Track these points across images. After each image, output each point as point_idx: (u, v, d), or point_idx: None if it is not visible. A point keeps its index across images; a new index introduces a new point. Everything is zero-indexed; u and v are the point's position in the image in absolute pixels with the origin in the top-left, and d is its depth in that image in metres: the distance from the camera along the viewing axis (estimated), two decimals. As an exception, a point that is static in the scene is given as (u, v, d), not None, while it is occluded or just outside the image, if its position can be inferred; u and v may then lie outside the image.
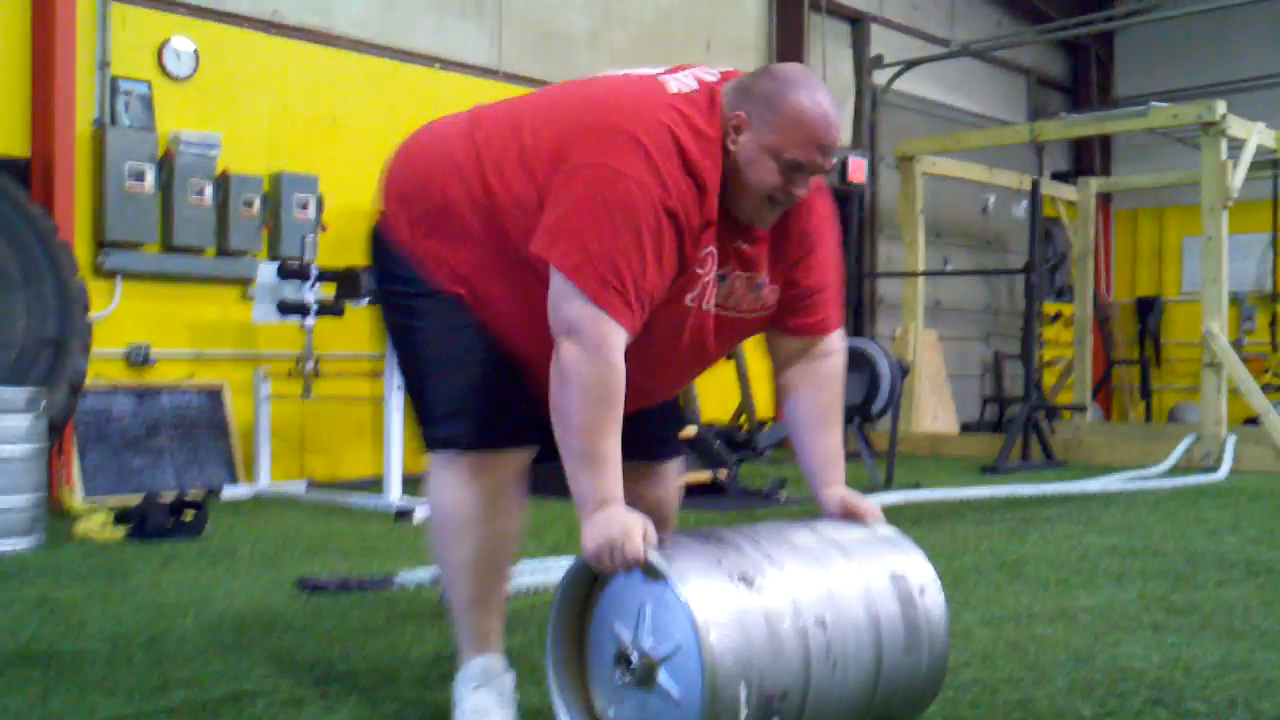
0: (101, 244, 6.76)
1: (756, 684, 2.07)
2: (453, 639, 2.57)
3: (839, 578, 2.24)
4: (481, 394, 2.46)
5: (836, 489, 2.54)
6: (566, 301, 2.24)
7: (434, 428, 2.50)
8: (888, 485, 7.44)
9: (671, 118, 2.31)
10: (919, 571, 2.36)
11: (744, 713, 2.06)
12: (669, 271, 2.29)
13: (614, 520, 2.19)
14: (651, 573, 2.16)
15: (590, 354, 2.21)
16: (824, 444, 2.59)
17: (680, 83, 2.40)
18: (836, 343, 2.64)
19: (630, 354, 2.30)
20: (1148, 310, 14.24)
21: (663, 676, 2.13)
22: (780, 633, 2.12)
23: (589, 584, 2.32)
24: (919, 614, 2.30)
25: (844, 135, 2.13)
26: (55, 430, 5.53)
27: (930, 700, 2.41)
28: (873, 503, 2.52)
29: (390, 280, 2.59)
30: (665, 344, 2.44)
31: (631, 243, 2.22)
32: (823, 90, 2.37)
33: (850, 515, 2.49)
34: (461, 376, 2.47)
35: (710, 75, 2.45)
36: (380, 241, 2.61)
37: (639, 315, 2.26)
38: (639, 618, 2.18)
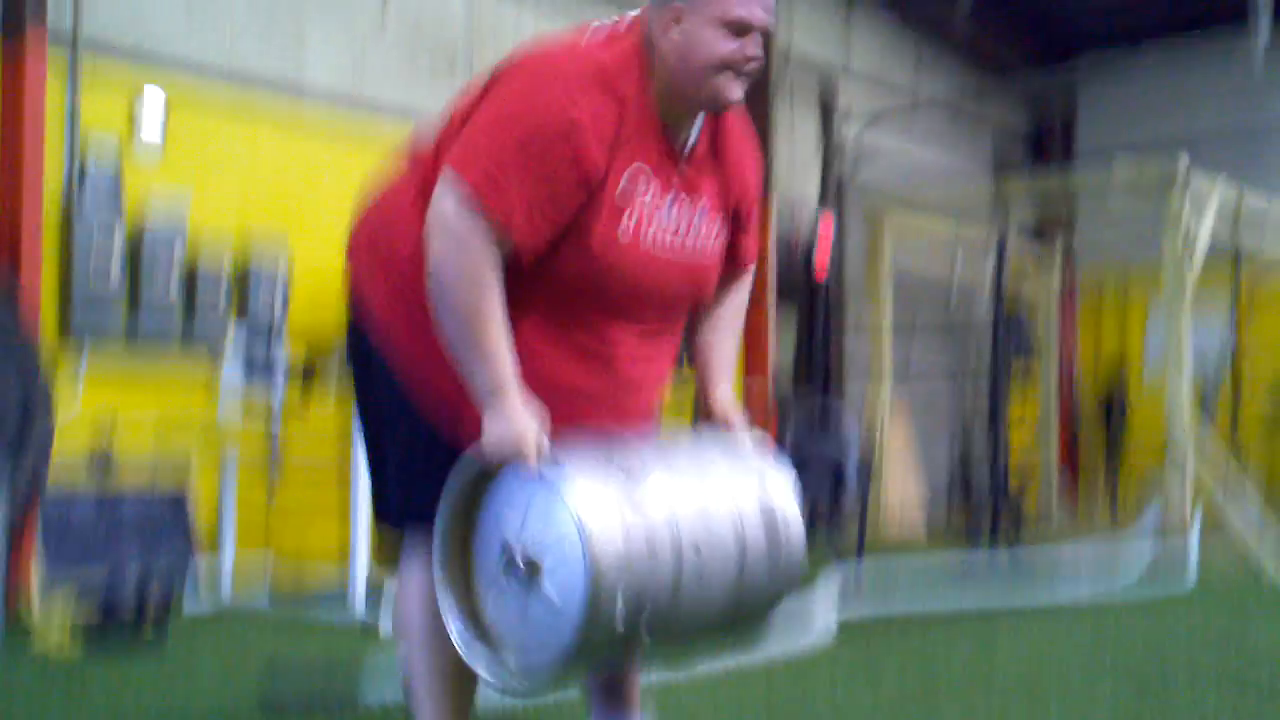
0: (68, 303, 6.68)
1: (634, 596, 2.15)
2: None
3: (712, 486, 2.36)
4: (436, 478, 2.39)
5: (722, 390, 2.61)
6: (441, 189, 2.26)
7: (398, 520, 2.53)
8: (859, 554, 7.36)
9: (579, 42, 2.38)
10: (780, 485, 2.47)
11: (619, 609, 2.13)
12: (569, 179, 2.28)
13: (510, 421, 2.23)
14: (543, 471, 2.21)
15: (460, 243, 2.24)
16: (718, 348, 2.66)
17: (595, 29, 2.45)
18: (745, 277, 2.72)
19: (594, 315, 2.38)
20: (1114, 374, 14.24)
21: (545, 580, 2.18)
22: (657, 545, 2.19)
23: (479, 479, 2.33)
24: (780, 528, 2.42)
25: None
26: (16, 517, 5.42)
27: (780, 600, 2.51)
28: (742, 411, 2.59)
29: (353, 356, 2.62)
30: (627, 287, 2.41)
31: (523, 153, 2.25)
32: None
33: (726, 420, 2.56)
34: (425, 466, 2.44)
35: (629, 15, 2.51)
36: (349, 310, 2.59)
37: (523, 217, 2.26)
38: (526, 511, 2.23)
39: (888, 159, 12.79)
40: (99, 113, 6.86)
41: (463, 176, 2.24)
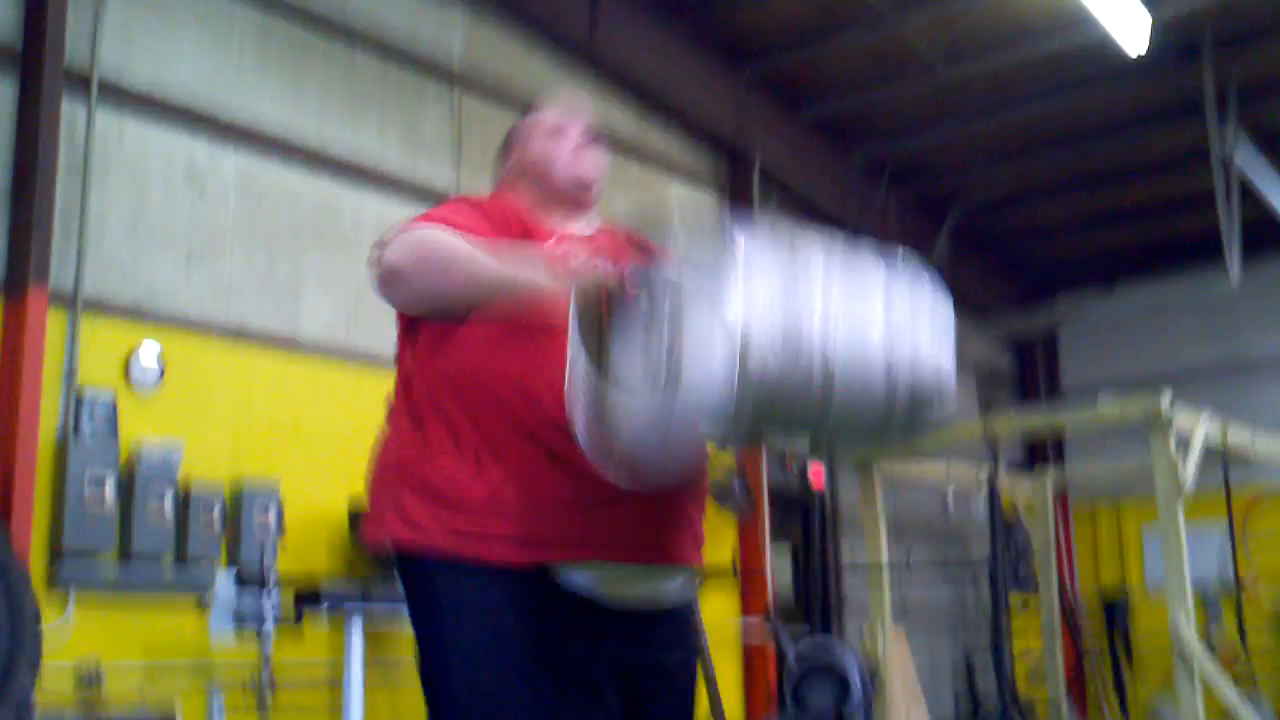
0: (57, 554, 6.61)
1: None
2: None
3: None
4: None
5: None
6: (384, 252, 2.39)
7: None
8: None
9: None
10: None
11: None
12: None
13: (543, 262, 2.28)
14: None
15: (408, 246, 2.35)
16: None
17: None
18: None
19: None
20: (1113, 604, 14.13)
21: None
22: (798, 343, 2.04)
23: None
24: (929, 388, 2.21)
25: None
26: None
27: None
28: None
29: (417, 605, 2.43)
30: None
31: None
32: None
33: None
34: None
35: None
36: (398, 555, 2.45)
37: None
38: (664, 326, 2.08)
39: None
40: (96, 366, 6.95)
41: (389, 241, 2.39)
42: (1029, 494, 12.51)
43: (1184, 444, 9.64)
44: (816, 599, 10.95)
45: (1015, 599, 13.02)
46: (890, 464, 11.11)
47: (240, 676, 6.93)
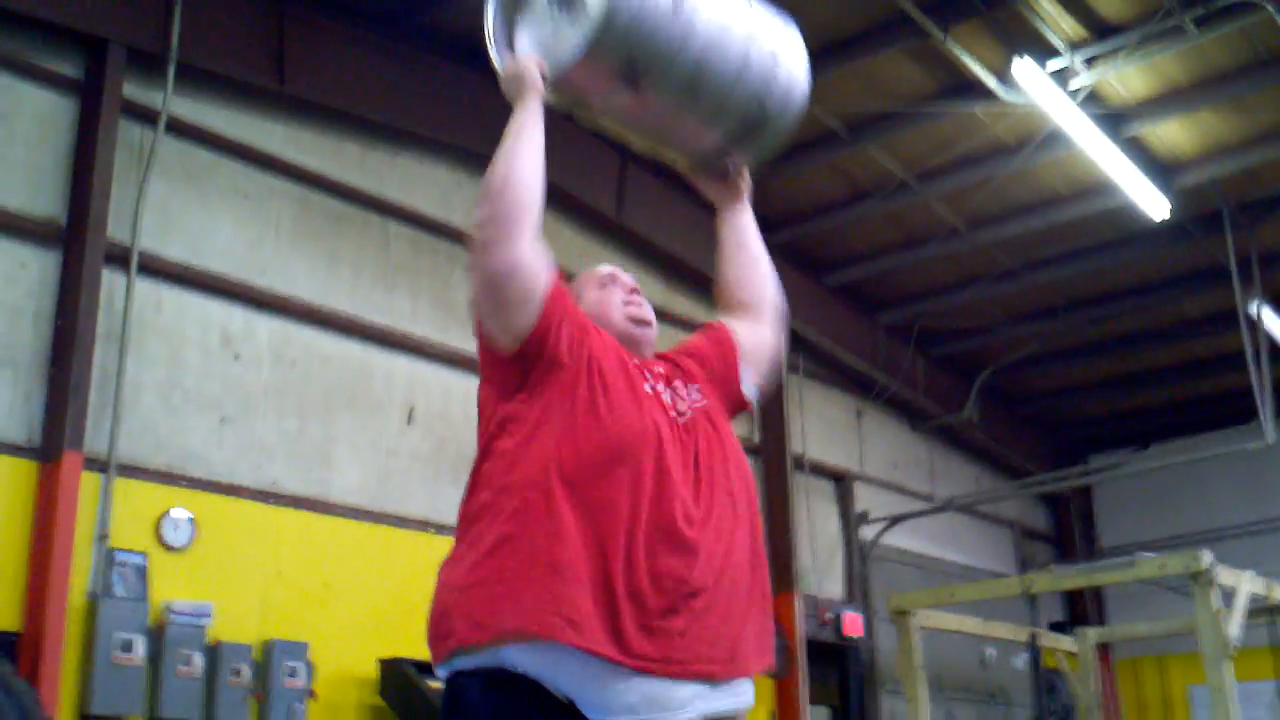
0: (85, 718, 6.59)
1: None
2: None
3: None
4: None
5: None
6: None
7: None
8: None
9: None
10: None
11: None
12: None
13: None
14: None
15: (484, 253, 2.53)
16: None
17: None
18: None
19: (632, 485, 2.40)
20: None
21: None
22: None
23: None
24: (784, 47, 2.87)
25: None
26: None
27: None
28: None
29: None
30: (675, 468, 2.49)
31: None
32: None
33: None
34: None
35: None
36: (454, 694, 2.43)
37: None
38: None
39: (909, 550, 12.84)
40: (128, 528, 7.02)
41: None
42: (1072, 651, 12.29)
43: (1227, 600, 9.51)
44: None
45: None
46: (928, 618, 10.98)
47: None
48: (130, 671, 6.68)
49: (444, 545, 8.41)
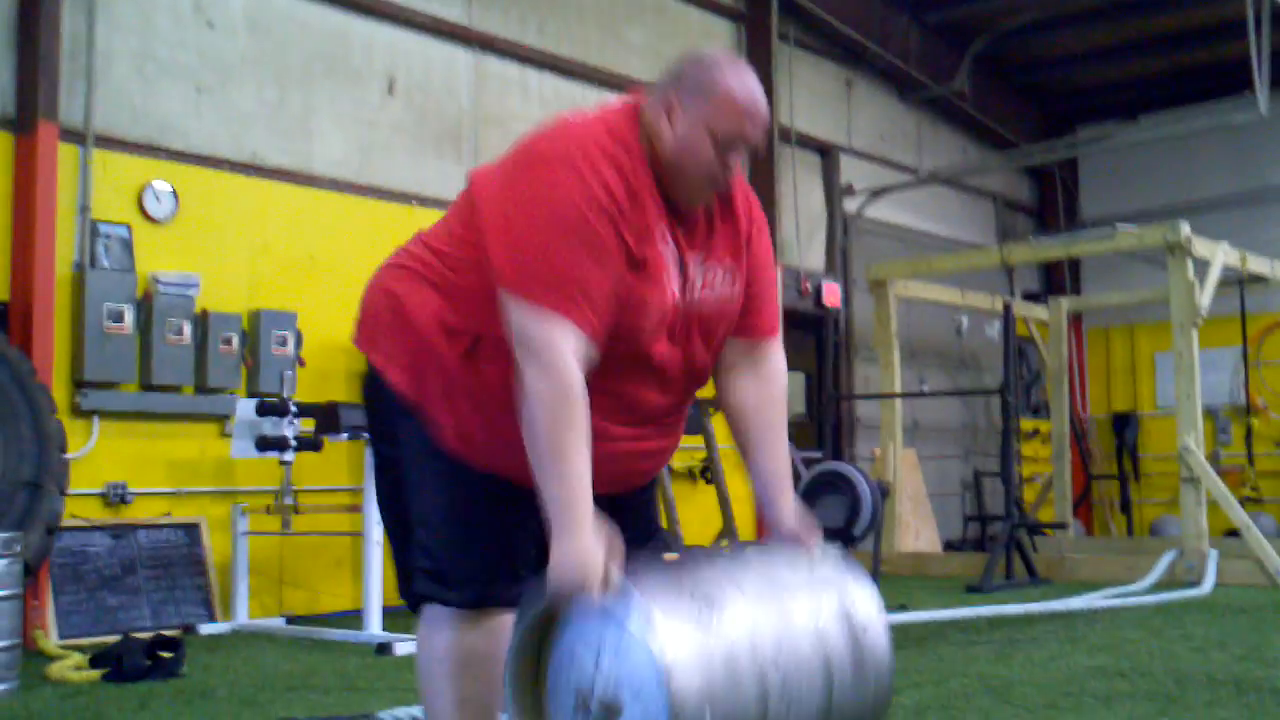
0: (80, 384, 6.78)
1: (718, 717, 2.08)
2: None
3: (791, 605, 2.29)
4: (470, 551, 2.45)
5: (785, 504, 2.55)
6: (516, 315, 2.27)
7: (425, 587, 2.49)
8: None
9: (586, 133, 2.39)
10: (863, 598, 2.40)
11: None
12: (614, 270, 2.31)
13: (578, 550, 2.17)
14: (612, 608, 2.15)
15: (545, 369, 2.23)
16: (772, 453, 2.59)
17: (595, 110, 2.50)
18: (778, 351, 2.67)
19: (622, 373, 2.37)
20: (1124, 425, 14.33)
21: (625, 707, 2.12)
22: (739, 666, 2.13)
23: (549, 613, 2.29)
24: (863, 643, 2.35)
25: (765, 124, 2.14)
26: (30, 572, 5.48)
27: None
28: (815, 523, 2.53)
29: (379, 427, 2.63)
30: (648, 351, 2.43)
31: (569, 249, 2.27)
32: (746, 69, 2.46)
33: (796, 536, 2.50)
34: (449, 530, 2.47)
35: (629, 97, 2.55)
36: (369, 384, 2.61)
37: (589, 313, 2.27)
38: (599, 657, 2.17)
39: (892, 223, 12.95)
40: (110, 201, 7.01)
41: (540, 302, 2.26)
42: (1044, 320, 12.59)
43: (1202, 270, 9.66)
44: (829, 422, 11.08)
45: (1026, 424, 13.20)
46: (905, 287, 11.18)
47: (263, 499, 7.15)
48: (121, 340, 6.83)
49: (425, 217, 8.44)
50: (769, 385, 2.62)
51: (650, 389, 2.47)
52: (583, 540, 2.19)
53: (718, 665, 2.11)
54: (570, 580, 2.16)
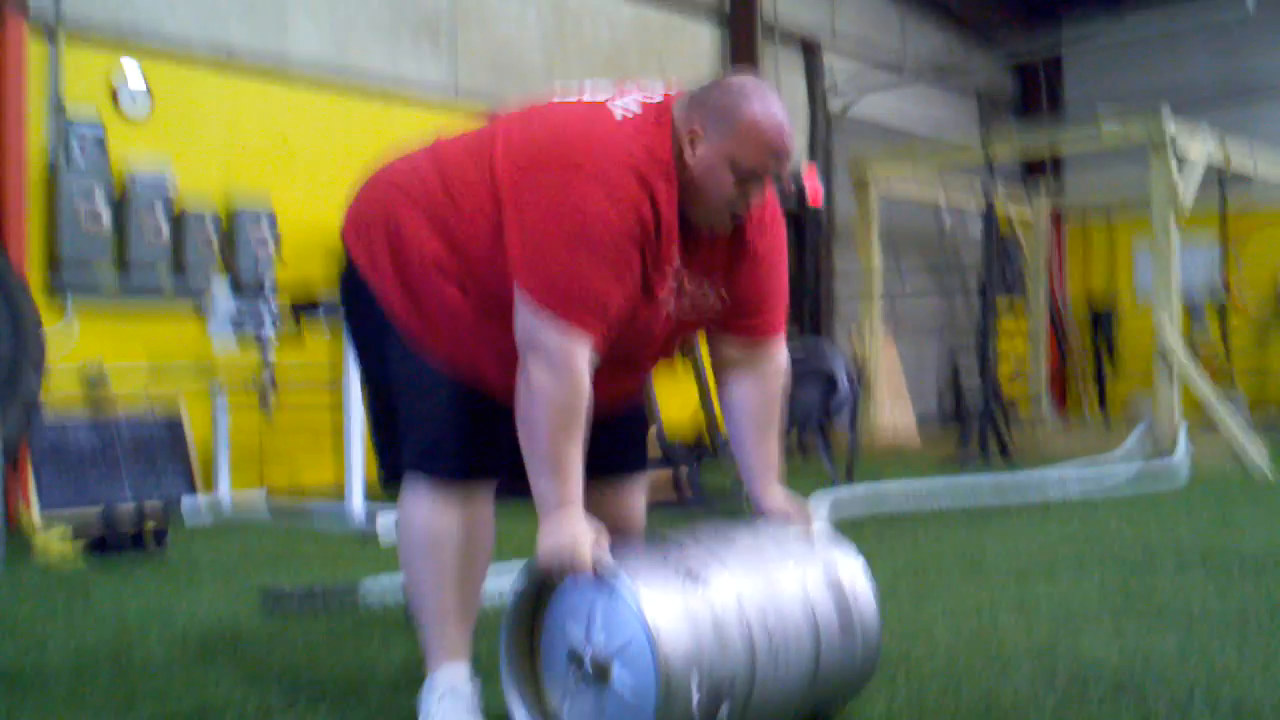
0: (55, 263, 6.74)
1: (706, 675, 2.16)
2: (420, 648, 2.60)
3: (777, 575, 2.36)
4: (455, 429, 2.54)
5: (773, 489, 2.66)
6: (535, 323, 2.33)
7: (413, 459, 2.57)
8: (848, 482, 7.47)
9: (624, 147, 2.37)
10: (850, 567, 2.50)
11: (695, 698, 2.15)
12: (630, 291, 2.38)
13: (566, 527, 2.29)
14: (602, 577, 2.24)
15: (556, 372, 2.31)
16: (762, 447, 2.69)
17: (625, 109, 2.46)
18: (779, 349, 2.74)
19: (600, 365, 2.42)
20: (1101, 317, 14.39)
21: (616, 674, 2.21)
22: (726, 628, 2.22)
23: (540, 588, 2.40)
24: (851, 607, 2.44)
25: (796, 146, 2.18)
26: (10, 449, 5.48)
27: (864, 684, 2.55)
28: (806, 503, 2.63)
29: (355, 316, 2.72)
30: (629, 350, 2.52)
31: (595, 269, 2.31)
32: (775, 99, 2.43)
33: (785, 515, 2.60)
34: (435, 412, 2.55)
35: (655, 96, 2.51)
36: (346, 276, 2.68)
37: (603, 330, 2.35)
38: (590, 619, 2.26)
39: (875, 121, 12.86)
40: (83, 93, 6.92)
41: (564, 316, 2.31)
42: (1026, 217, 12.58)
43: (1183, 162, 9.63)
44: (808, 305, 11.09)
45: (1003, 302, 13.24)
46: (888, 184, 11.14)
47: (242, 379, 7.14)
48: (97, 228, 6.76)
49: (401, 111, 8.35)
50: (769, 384, 2.71)
51: (621, 373, 2.59)
52: (573, 519, 2.31)
53: (705, 627, 2.19)
54: (561, 553, 2.27)
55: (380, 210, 2.60)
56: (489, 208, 2.42)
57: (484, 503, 2.56)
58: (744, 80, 2.46)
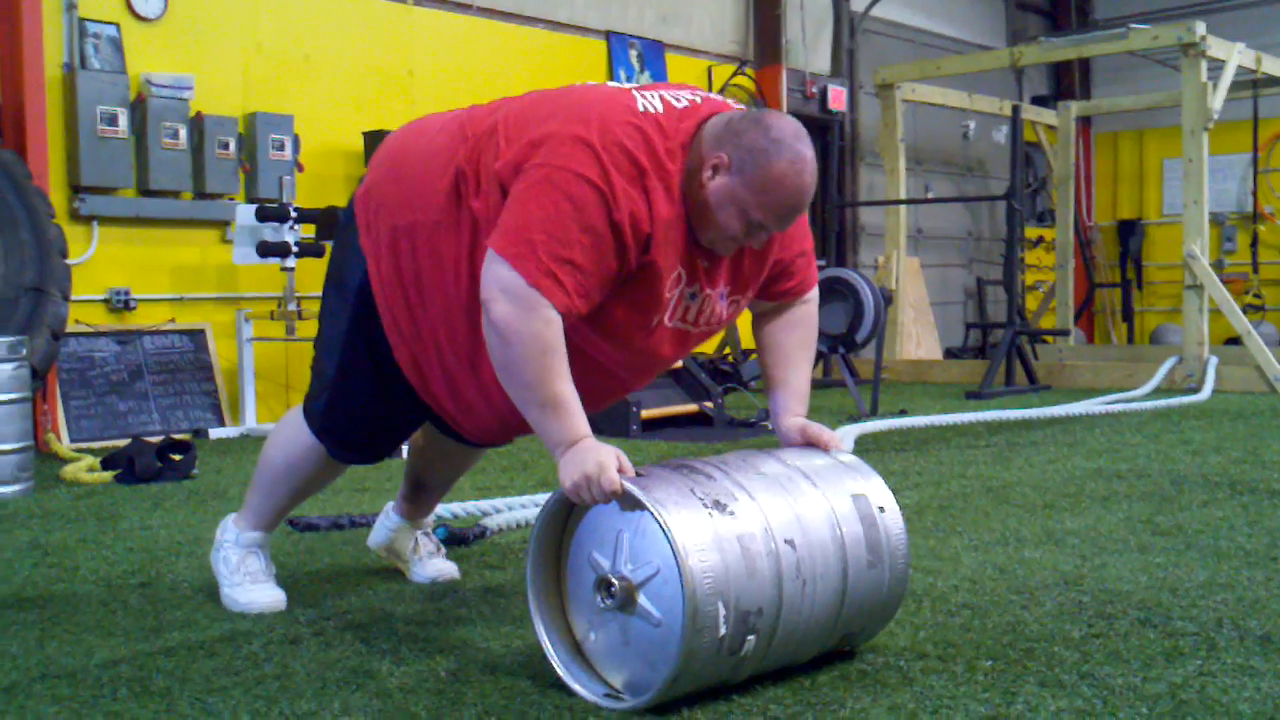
0: (77, 189, 6.70)
1: (734, 602, 2.16)
2: (243, 503, 3.11)
3: (804, 501, 2.36)
4: (363, 422, 2.86)
5: (798, 419, 2.66)
6: (501, 274, 2.32)
7: (313, 421, 2.91)
8: (873, 412, 7.47)
9: (632, 137, 2.37)
10: (878, 493, 2.50)
11: (723, 629, 2.15)
12: (606, 273, 2.36)
13: (588, 454, 2.28)
14: (629, 502, 2.24)
15: (524, 311, 2.30)
16: (792, 379, 2.71)
17: (649, 102, 2.46)
18: (811, 302, 2.79)
19: (594, 366, 2.53)
20: (1129, 233, 14.27)
21: (643, 600, 2.21)
22: (753, 554, 2.22)
23: (566, 516, 2.41)
24: (880, 532, 2.44)
25: (811, 191, 2.15)
26: (38, 377, 5.50)
27: (893, 612, 2.55)
28: (832, 432, 2.62)
29: (336, 267, 2.84)
30: (630, 357, 2.58)
31: (571, 238, 2.30)
32: (806, 153, 2.41)
33: (811, 443, 2.60)
34: (355, 398, 2.81)
35: (693, 97, 2.51)
36: (342, 222, 2.84)
37: (575, 303, 2.33)
38: (617, 545, 2.26)
39: (900, 33, 12.64)
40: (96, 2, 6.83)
41: (523, 269, 2.30)
42: (1052, 125, 12.40)
43: (1215, 74, 9.46)
44: (833, 228, 11.03)
45: (1031, 232, 13.14)
46: (912, 91, 10.97)
47: (267, 305, 7.15)
48: (116, 144, 6.72)
49: (422, 17, 8.23)
50: (799, 325, 2.75)
51: (629, 379, 2.70)
52: (592, 448, 2.29)
53: (734, 557, 2.18)
54: (586, 472, 2.25)
55: (389, 205, 2.70)
56: (498, 196, 2.47)
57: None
58: (784, 126, 2.43)
